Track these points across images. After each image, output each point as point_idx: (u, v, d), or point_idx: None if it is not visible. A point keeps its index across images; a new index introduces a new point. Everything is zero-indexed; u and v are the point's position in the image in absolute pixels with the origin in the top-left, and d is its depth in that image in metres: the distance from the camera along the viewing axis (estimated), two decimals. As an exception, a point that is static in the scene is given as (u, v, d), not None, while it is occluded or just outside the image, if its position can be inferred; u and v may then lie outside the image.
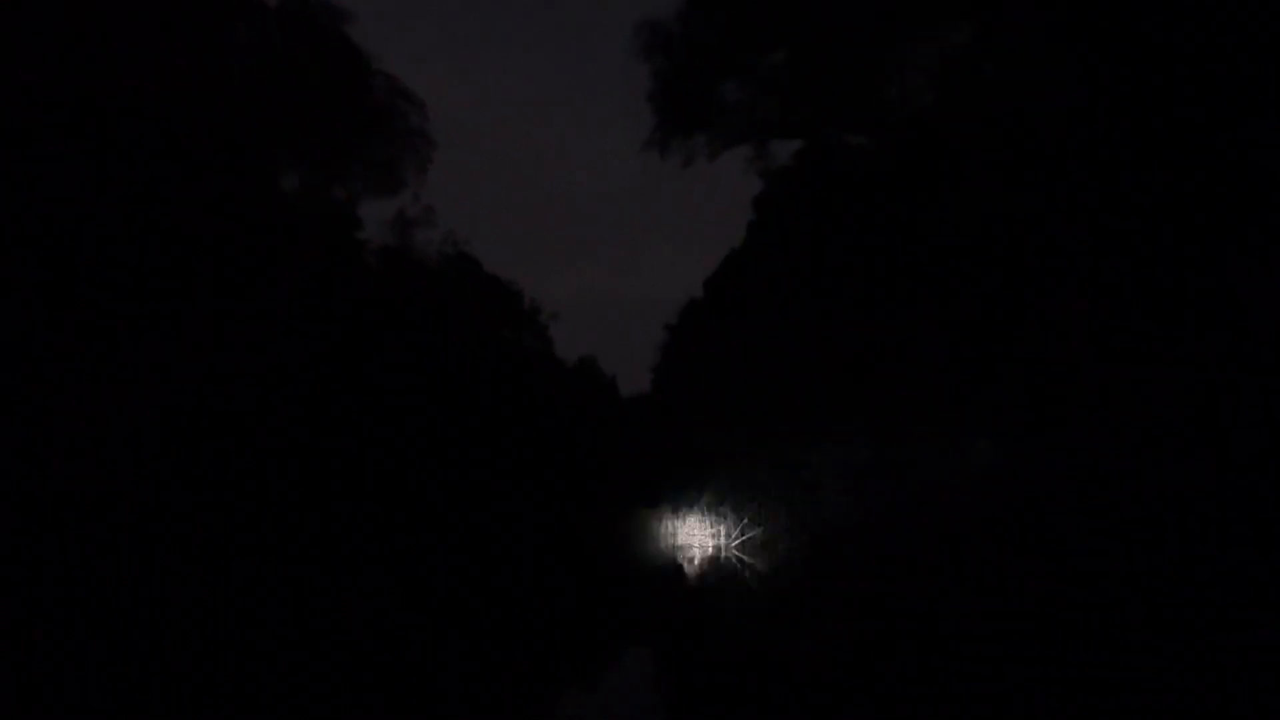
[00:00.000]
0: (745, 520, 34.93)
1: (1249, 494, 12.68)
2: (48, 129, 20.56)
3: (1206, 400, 14.13)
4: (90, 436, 22.74)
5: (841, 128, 20.67)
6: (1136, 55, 15.15)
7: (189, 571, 22.46)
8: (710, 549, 32.27)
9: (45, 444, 21.22)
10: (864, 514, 26.63)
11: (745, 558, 28.13)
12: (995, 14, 17.64)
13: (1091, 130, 16.32)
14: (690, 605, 15.93)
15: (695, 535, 38.01)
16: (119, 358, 23.92)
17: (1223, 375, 13.94)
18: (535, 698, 7.40)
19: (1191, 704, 6.50)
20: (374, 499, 29.63)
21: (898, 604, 14.86)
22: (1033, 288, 20.88)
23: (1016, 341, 22.11)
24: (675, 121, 20.40)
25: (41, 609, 13.79)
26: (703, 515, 35.47)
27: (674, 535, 37.50)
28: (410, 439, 30.77)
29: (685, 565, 25.48)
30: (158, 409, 25.14)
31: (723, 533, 34.91)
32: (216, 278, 26.86)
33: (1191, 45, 14.15)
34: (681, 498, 39.07)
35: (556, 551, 33.67)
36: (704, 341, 47.87)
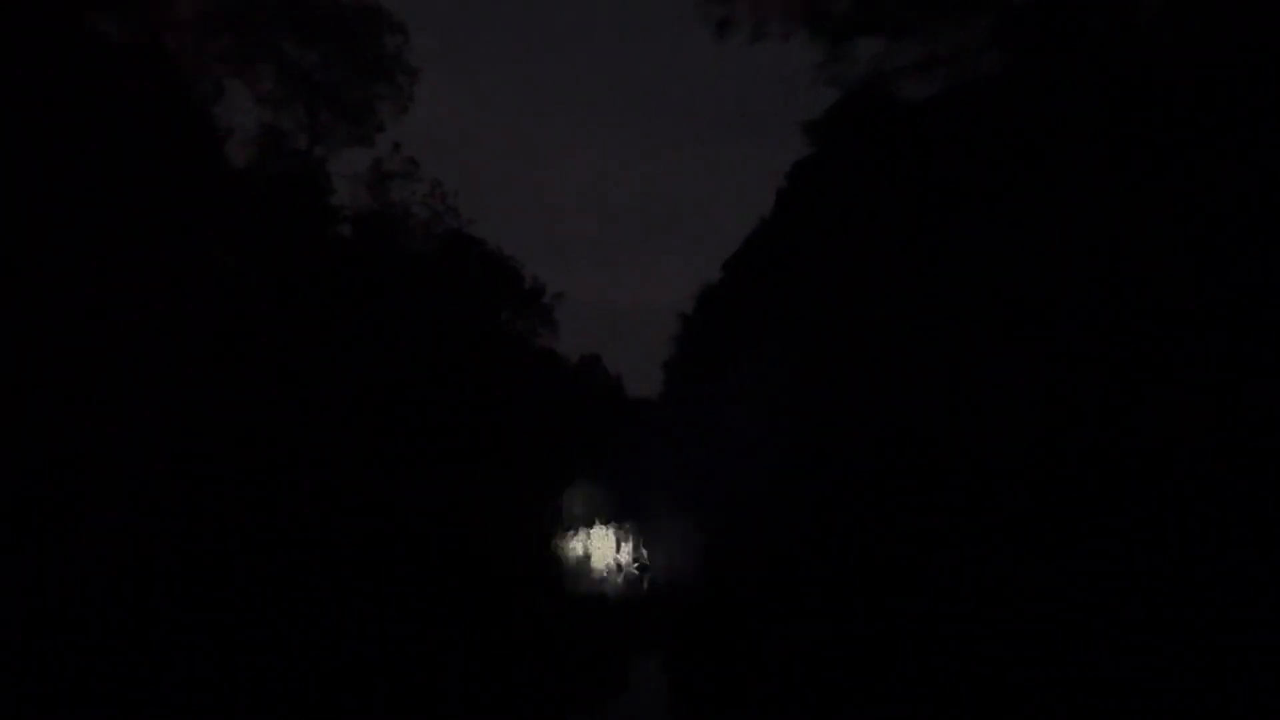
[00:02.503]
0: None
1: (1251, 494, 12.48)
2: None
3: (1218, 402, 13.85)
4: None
5: (940, 19, 16.09)
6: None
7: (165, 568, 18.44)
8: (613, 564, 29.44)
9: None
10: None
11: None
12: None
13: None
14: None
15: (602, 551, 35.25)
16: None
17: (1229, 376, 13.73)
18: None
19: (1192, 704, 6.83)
20: (349, 504, 24.91)
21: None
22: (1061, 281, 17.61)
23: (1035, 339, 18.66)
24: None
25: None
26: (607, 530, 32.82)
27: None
28: (391, 438, 26.06)
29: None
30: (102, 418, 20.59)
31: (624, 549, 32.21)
32: (151, 256, 22.13)
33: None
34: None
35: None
36: (722, 330, 43.35)
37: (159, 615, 14.37)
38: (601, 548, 32.49)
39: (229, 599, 18.33)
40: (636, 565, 29.22)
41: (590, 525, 34.39)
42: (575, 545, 31.35)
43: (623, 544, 32.80)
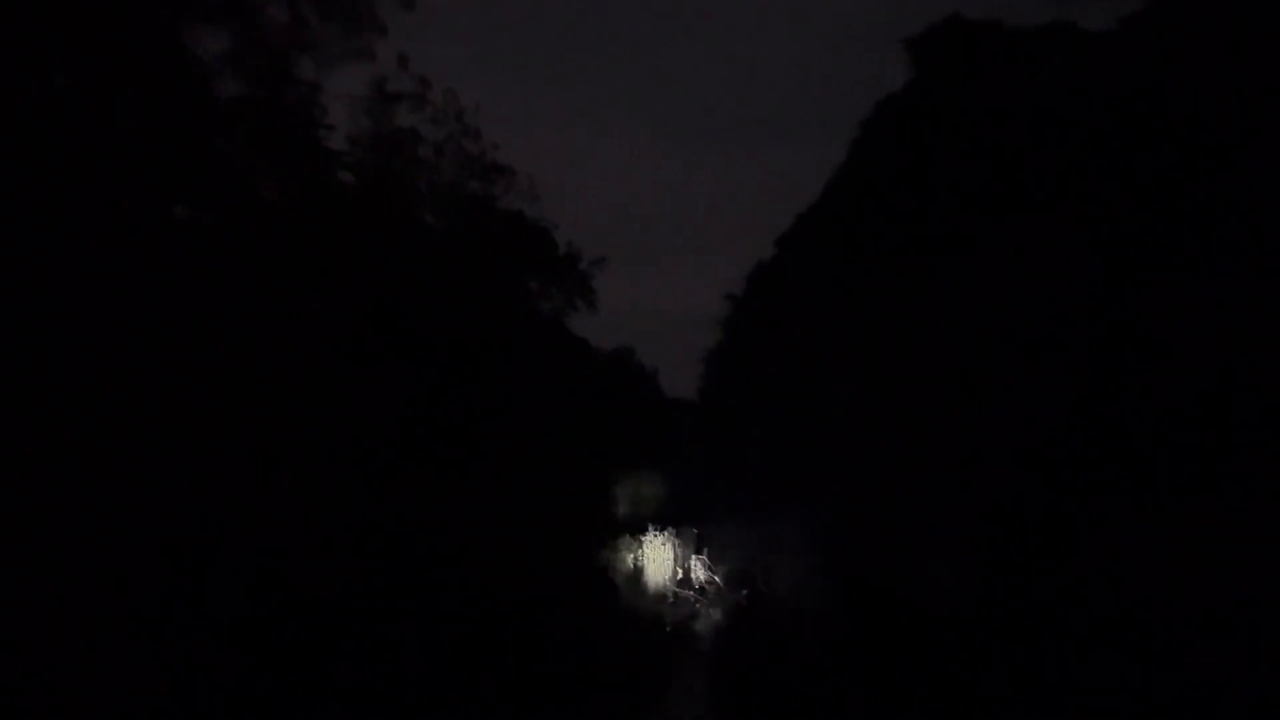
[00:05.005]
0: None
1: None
2: None
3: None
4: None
5: None
6: None
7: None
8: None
9: None
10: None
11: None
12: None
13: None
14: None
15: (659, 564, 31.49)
16: None
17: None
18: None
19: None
20: (344, 516, 20.61)
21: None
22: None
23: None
24: None
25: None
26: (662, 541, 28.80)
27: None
28: (394, 436, 21.73)
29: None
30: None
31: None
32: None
33: None
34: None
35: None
36: (775, 313, 38.56)
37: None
38: (657, 559, 28.31)
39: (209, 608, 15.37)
40: (710, 582, 25.13)
41: (642, 532, 30.00)
42: (627, 557, 27.20)
43: (688, 555, 28.56)
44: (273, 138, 19.75)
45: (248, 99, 18.84)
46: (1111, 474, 17.52)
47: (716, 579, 25.91)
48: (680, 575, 29.28)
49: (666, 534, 31.78)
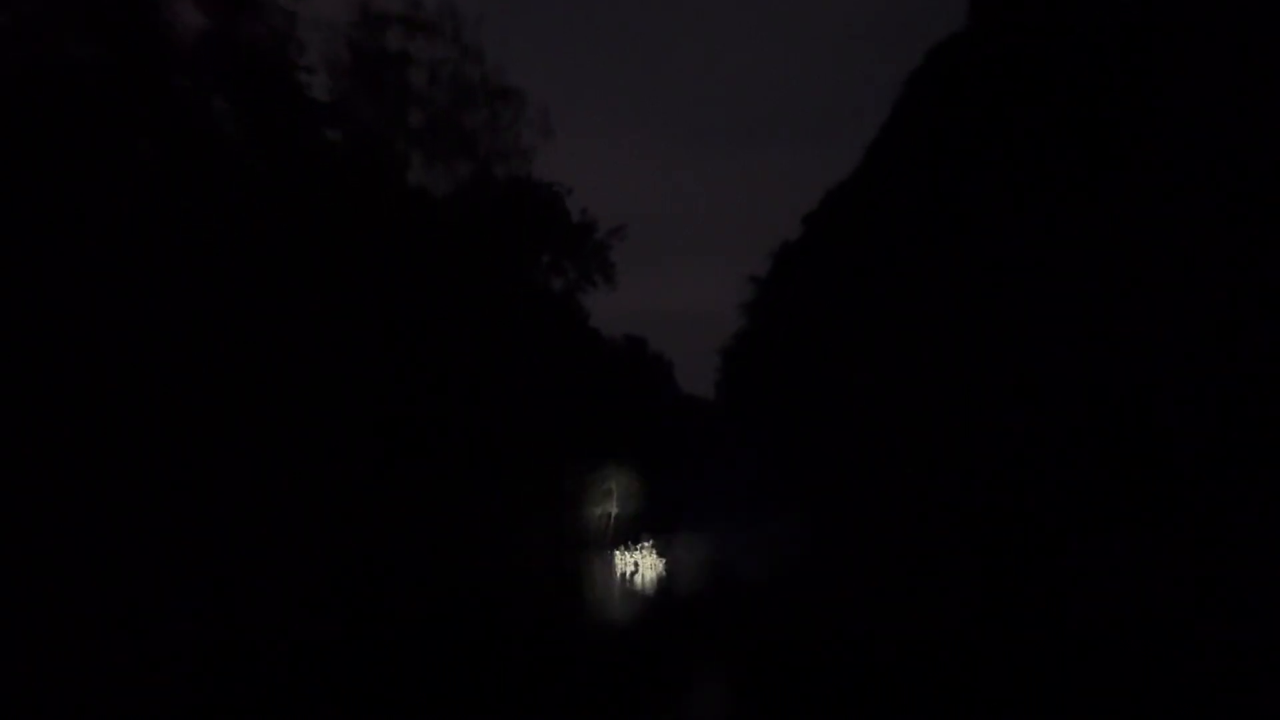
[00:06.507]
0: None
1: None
2: None
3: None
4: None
5: None
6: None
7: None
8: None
9: None
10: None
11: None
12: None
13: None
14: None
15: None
16: None
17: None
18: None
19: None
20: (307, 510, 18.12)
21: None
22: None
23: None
24: None
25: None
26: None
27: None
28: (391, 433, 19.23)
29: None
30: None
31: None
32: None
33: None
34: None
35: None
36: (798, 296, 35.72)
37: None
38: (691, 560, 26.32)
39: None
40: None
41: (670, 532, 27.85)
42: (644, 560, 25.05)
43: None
44: (242, 86, 16.94)
45: (209, 34, 16.06)
46: (1113, 479, 15.33)
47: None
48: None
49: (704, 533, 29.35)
